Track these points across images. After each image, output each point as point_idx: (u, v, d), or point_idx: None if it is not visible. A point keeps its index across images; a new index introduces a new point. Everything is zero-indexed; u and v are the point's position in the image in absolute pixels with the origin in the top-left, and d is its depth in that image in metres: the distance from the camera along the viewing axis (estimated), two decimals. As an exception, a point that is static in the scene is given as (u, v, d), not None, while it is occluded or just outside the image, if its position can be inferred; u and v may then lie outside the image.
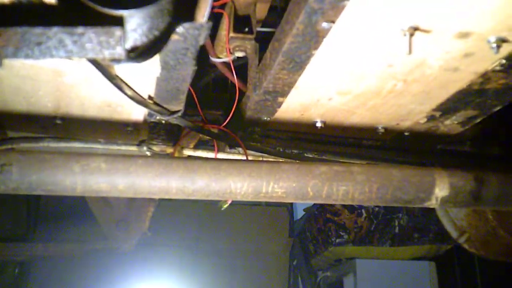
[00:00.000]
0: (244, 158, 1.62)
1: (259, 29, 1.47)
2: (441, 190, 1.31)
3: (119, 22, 0.70)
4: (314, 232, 4.14)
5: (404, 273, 3.60)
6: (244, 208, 4.71)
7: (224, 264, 4.51)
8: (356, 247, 3.78)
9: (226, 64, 1.52)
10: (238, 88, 1.52)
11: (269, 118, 1.52)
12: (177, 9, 0.81)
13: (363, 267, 3.59)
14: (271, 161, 1.40)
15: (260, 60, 1.37)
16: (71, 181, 1.12)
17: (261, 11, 1.62)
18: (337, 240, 3.80)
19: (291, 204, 4.90)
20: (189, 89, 1.52)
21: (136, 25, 0.71)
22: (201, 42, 1.05)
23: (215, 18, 1.52)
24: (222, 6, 1.43)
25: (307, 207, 4.48)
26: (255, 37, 1.44)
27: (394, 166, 1.32)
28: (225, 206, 1.48)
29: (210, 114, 1.72)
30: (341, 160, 1.65)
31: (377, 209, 3.79)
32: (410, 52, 1.05)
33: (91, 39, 0.69)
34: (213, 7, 1.30)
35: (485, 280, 3.38)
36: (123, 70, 1.16)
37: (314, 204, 4.20)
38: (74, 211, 3.61)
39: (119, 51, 0.71)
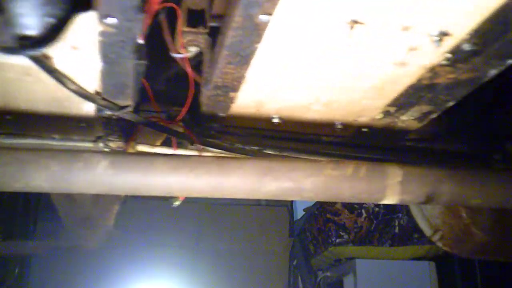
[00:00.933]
0: (207, 154, 1.61)
1: (212, 24, 1.45)
2: (392, 193, 1.30)
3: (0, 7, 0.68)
4: (314, 232, 4.14)
5: (404, 273, 3.59)
6: (244, 208, 4.73)
7: (224, 264, 4.52)
8: (356, 247, 3.78)
9: (186, 59, 1.50)
10: (197, 83, 1.50)
11: (224, 114, 1.51)
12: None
13: (363, 267, 3.58)
14: (222, 157, 1.39)
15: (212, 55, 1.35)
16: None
17: (219, 5, 1.60)
18: (337, 240, 3.80)
19: (291, 204, 4.90)
20: (144, 84, 1.51)
21: (23, 11, 0.69)
22: (137, 34, 1.03)
23: (174, 13, 1.50)
24: (175, 1, 1.41)
25: (307, 207, 4.48)
26: (209, 31, 1.42)
27: (347, 177, 1.30)
28: (177, 203, 1.46)
29: (177, 111, 1.71)
30: (300, 157, 1.64)
31: (377, 209, 3.79)
32: (350, 45, 1.04)
33: (-28, 26, 0.67)
34: (165, 1, 1.28)
35: (485, 280, 3.37)
36: (66, 63, 1.14)
37: (314, 204, 4.21)
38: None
39: (6, 38, 0.69)
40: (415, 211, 2.58)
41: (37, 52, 0.81)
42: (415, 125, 1.53)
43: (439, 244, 2.49)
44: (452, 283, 3.65)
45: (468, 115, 1.99)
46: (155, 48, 1.45)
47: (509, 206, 1.39)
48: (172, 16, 1.45)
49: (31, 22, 0.72)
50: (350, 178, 1.29)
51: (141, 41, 1.32)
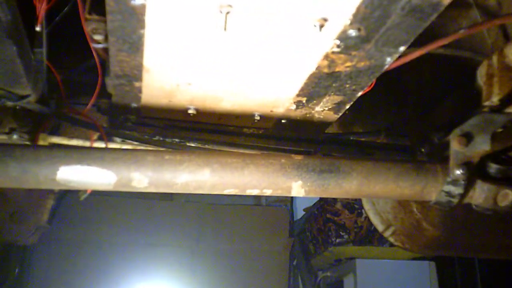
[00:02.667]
0: (127, 147, 1.57)
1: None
2: (297, 185, 1.27)
3: None
4: (314, 232, 4.13)
5: (404, 273, 3.58)
6: (244, 208, 4.74)
7: (224, 264, 4.51)
8: (356, 247, 3.77)
9: (93, 48, 1.46)
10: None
11: (137, 105, 1.47)
12: None
13: (363, 267, 3.58)
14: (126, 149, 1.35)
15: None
16: None
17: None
18: (337, 240, 3.79)
19: (291, 204, 4.90)
20: (54, 74, 1.47)
21: None
22: (3, 18, 0.99)
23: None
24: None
25: (307, 207, 4.47)
26: (114, 19, 1.38)
27: (250, 157, 1.27)
28: (84, 196, 1.42)
29: (102, 103, 1.67)
30: (223, 149, 1.61)
31: None
32: (225, 29, 1.00)
33: None
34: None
35: (485, 280, 3.37)
36: None
37: (314, 204, 4.20)
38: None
39: None
40: (367, 206, 2.55)
41: None
42: (332, 116, 1.49)
43: (391, 239, 2.46)
44: (452, 283, 3.64)
45: (406, 110, 1.97)
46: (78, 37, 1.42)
47: (417, 199, 1.37)
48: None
49: None
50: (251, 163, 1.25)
51: (38, 28, 1.29)
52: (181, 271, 4.39)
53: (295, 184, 1.26)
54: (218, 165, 1.20)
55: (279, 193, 1.29)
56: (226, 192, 1.26)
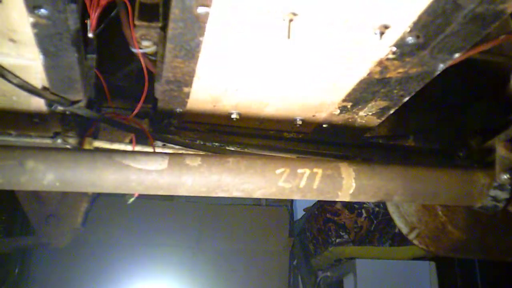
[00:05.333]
0: (168, 151, 1.59)
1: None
2: (346, 189, 1.29)
3: None
4: (314, 232, 4.13)
5: (404, 273, 3.55)
6: (244, 208, 4.71)
7: (224, 264, 4.49)
8: (356, 247, 3.77)
9: (140, 54, 1.48)
10: (149, 79, 1.49)
11: (182, 110, 1.49)
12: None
13: (363, 267, 3.55)
14: (172, 153, 1.37)
15: (166, 49, 1.34)
16: None
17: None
18: (337, 240, 3.80)
19: (291, 204, 4.90)
20: (101, 80, 1.49)
21: None
22: (72, 26, 1.01)
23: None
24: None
25: (307, 206, 4.46)
26: (162, 25, 1.40)
27: (303, 162, 1.29)
28: (132, 199, 1.44)
29: (142, 107, 1.69)
30: (262, 153, 1.62)
31: (377, 209, 3.79)
32: (289, 37, 1.02)
33: None
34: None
35: (485, 280, 3.36)
36: (7, 58, 1.12)
37: (314, 204, 4.20)
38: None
39: None
40: (391, 209, 2.56)
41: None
42: (375, 121, 1.51)
43: (416, 242, 2.47)
44: (452, 283, 3.63)
45: (435, 114, 1.98)
46: (118, 43, 1.44)
47: (462, 204, 1.38)
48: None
49: None
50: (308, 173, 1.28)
51: (90, 35, 1.31)
52: (181, 271, 4.37)
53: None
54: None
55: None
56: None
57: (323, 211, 3.93)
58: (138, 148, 1.63)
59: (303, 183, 1.29)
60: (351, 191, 1.30)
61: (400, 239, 3.70)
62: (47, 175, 1.12)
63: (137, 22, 1.37)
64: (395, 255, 3.71)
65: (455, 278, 3.61)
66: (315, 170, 1.29)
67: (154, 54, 1.44)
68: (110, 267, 4.19)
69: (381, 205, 3.72)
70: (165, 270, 4.34)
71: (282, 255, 4.64)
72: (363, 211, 3.77)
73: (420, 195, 1.32)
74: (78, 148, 1.48)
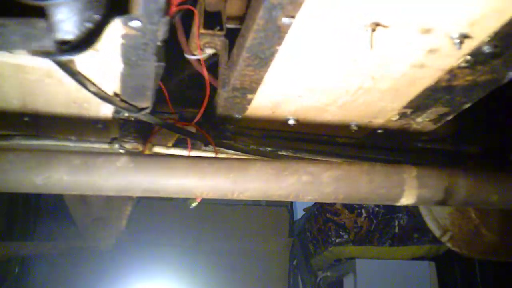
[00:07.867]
0: (221, 156, 1.61)
1: (228, 25, 1.46)
2: (410, 191, 1.31)
3: (44, 13, 0.68)
4: (314, 232, 4.14)
5: (404, 273, 3.58)
6: (244, 208, 4.72)
7: (224, 264, 4.51)
8: (356, 247, 3.78)
9: (202, 61, 1.51)
10: (211, 85, 1.51)
11: (240, 116, 1.51)
12: (112, 1, 0.79)
13: (363, 267, 3.58)
14: (238, 158, 1.39)
15: (229, 56, 1.36)
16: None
17: (236, 7, 1.61)
18: (337, 240, 3.79)
19: (291, 204, 4.90)
20: (161, 86, 1.51)
21: (65, 16, 0.70)
22: (161, 38, 1.04)
23: (187, 14, 1.51)
24: (192, 3, 1.42)
25: (307, 207, 4.47)
26: (226, 33, 1.43)
27: (364, 171, 1.31)
28: (194, 204, 1.46)
29: (189, 112, 1.71)
30: (315, 158, 1.64)
31: (377, 209, 3.79)
32: (371, 47, 1.04)
33: (15, 31, 0.67)
34: (182, 3, 1.29)
35: (485, 280, 3.36)
36: (86, 66, 1.14)
37: (315, 204, 4.20)
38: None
39: (48, 43, 0.70)
40: (424, 212, 2.58)
41: (73, 57, 0.81)
42: (430, 126, 1.53)
43: (449, 244, 2.49)
44: (452, 283, 3.64)
45: (481, 116, 1.99)
46: (168, 50, 1.46)
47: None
48: (185, 18, 1.46)
49: (71, 27, 0.72)
50: (367, 172, 1.30)
51: (159, 43, 1.34)
52: (181, 270, 4.38)
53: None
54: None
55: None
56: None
57: (323, 211, 3.94)
58: (192, 153, 1.66)
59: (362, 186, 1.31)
60: (414, 195, 1.32)
61: (400, 239, 3.72)
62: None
63: (202, 30, 1.40)
64: (395, 255, 3.74)
65: (455, 278, 3.63)
66: (374, 174, 1.31)
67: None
68: (109, 266, 4.19)
69: (381, 205, 3.73)
70: (165, 270, 4.36)
71: (282, 255, 4.66)
72: (363, 211, 3.78)
73: (485, 201, 1.34)
74: (139, 153, 1.50)
